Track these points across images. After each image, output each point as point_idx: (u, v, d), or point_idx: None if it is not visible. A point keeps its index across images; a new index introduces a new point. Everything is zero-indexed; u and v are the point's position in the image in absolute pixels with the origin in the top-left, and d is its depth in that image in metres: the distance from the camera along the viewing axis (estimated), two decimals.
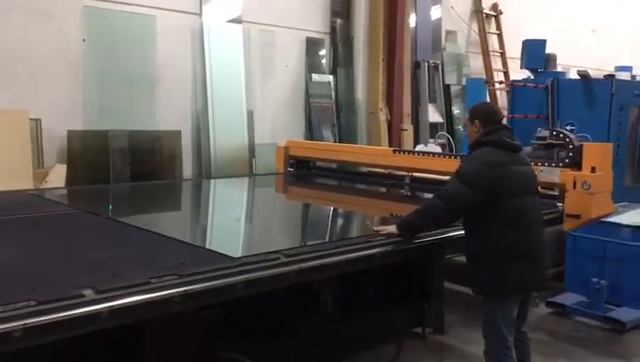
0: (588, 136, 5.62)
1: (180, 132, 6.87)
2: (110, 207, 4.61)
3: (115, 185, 5.90)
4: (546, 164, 4.25)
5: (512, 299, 3.25)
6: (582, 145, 4.27)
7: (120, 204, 4.94)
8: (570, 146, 4.28)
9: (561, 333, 4.99)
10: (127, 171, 6.25)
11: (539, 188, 3.55)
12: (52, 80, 6.11)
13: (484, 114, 3.35)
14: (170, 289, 2.26)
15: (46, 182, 5.71)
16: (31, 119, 5.71)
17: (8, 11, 5.83)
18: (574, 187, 4.02)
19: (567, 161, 4.26)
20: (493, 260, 3.16)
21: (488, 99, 9.39)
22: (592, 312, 5.15)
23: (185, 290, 2.28)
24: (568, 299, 5.38)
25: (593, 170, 4.09)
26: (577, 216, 4.03)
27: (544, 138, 4.44)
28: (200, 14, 7.18)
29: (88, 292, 2.11)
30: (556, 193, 4.26)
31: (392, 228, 3.23)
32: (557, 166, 4.26)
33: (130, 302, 2.15)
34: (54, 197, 4.61)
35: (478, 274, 3.26)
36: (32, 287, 2.16)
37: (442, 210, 3.15)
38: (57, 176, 5.79)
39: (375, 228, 3.31)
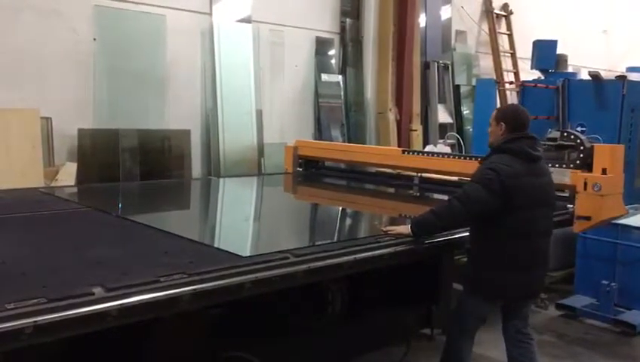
0: (599, 137, 5.58)
1: (189, 131, 6.89)
2: (120, 206, 4.63)
3: (124, 183, 5.93)
4: (557, 166, 4.22)
5: (491, 302, 3.33)
6: (593, 146, 4.23)
7: (129, 203, 4.96)
8: (581, 148, 4.25)
9: (570, 336, 4.96)
10: (136, 170, 6.27)
11: (555, 199, 3.49)
12: (63, 79, 6.14)
13: (512, 119, 3.28)
14: (179, 287, 2.26)
15: (56, 180, 5.74)
16: (42, 118, 5.74)
17: (19, 11, 5.87)
18: (585, 189, 3.99)
19: (577, 162, 4.23)
20: (488, 265, 3.21)
21: (498, 100, 9.35)
22: (602, 315, 5.12)
23: (193, 289, 2.28)
24: (578, 301, 5.36)
25: (604, 171, 4.05)
26: (588, 218, 3.99)
27: (555, 139, 4.41)
28: (210, 14, 7.19)
29: (98, 290, 2.12)
30: (566, 194, 4.23)
31: (402, 229, 3.22)
32: (567, 167, 4.24)
33: (139, 300, 2.15)
34: (65, 195, 4.63)
35: (469, 270, 3.34)
36: (43, 285, 2.18)
37: (461, 211, 3.13)
38: (68, 174, 5.83)
39: (384, 229, 3.30)
